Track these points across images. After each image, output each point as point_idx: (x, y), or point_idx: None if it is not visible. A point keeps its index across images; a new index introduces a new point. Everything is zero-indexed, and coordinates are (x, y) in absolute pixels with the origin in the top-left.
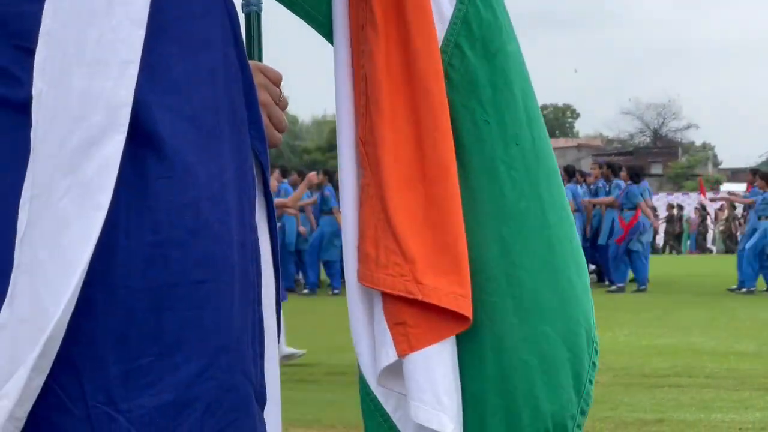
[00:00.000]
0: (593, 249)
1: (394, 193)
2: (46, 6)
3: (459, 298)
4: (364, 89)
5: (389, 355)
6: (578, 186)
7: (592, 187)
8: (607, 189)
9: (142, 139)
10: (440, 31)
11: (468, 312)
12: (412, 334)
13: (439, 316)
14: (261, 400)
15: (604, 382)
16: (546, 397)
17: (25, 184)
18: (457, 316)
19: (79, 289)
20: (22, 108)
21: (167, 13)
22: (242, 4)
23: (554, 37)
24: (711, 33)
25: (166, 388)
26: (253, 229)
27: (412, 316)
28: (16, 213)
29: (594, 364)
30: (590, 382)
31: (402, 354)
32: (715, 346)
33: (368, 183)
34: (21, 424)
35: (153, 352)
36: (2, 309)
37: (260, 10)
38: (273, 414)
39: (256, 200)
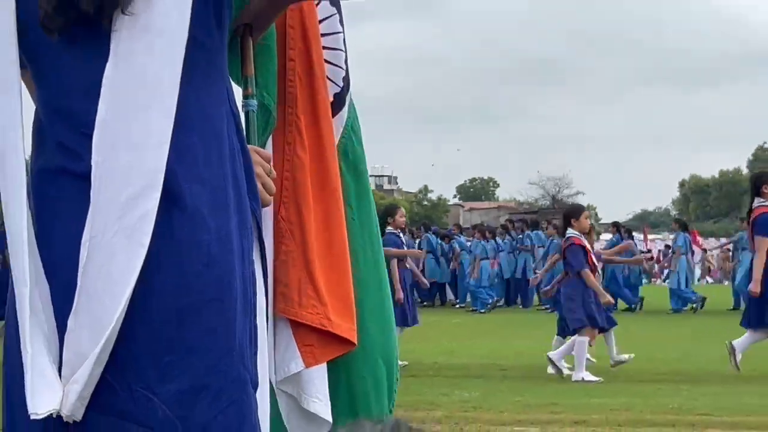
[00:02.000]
0: None
1: (314, 260)
2: (100, 104)
3: (352, 332)
4: (289, 186)
5: (298, 366)
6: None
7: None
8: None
9: (170, 198)
10: (339, 124)
11: (355, 341)
12: (318, 353)
13: (335, 343)
14: (254, 385)
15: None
16: (374, 401)
17: (85, 228)
18: (347, 343)
19: (126, 306)
20: (83, 176)
21: (190, 110)
22: (242, 105)
23: (486, 129)
24: (598, 124)
25: (186, 378)
26: (251, 263)
27: (319, 341)
28: (78, 250)
29: (398, 379)
30: (395, 391)
31: (308, 366)
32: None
33: (292, 250)
34: (86, 402)
35: (177, 352)
36: (69, 319)
37: (255, 108)
38: (263, 393)
39: (253, 243)
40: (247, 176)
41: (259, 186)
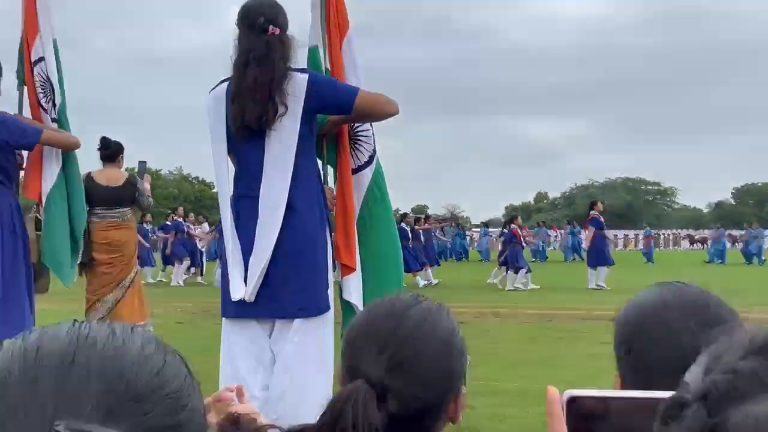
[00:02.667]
0: None
1: (352, 230)
2: (264, 168)
3: (353, 264)
4: (339, 200)
5: (342, 278)
6: None
7: None
8: None
9: (289, 207)
10: (369, 172)
11: (355, 267)
12: (346, 269)
13: (351, 269)
14: (327, 286)
15: None
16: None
17: (258, 221)
18: (352, 269)
19: (271, 251)
20: (255, 198)
21: (298, 169)
22: (318, 156)
23: None
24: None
25: (297, 284)
26: (326, 235)
27: (347, 270)
28: (254, 231)
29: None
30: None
31: (343, 277)
32: None
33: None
34: (255, 293)
35: (293, 272)
36: (250, 260)
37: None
38: (331, 291)
39: (326, 227)
40: (323, 197)
41: (328, 200)
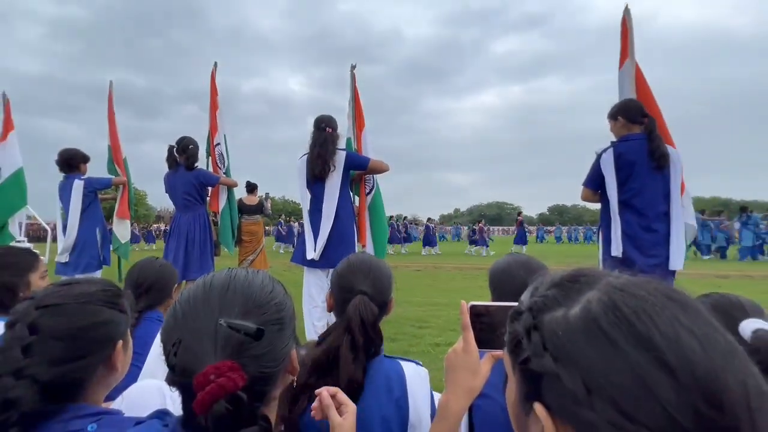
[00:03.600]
0: None
1: (365, 226)
2: (323, 202)
3: (362, 244)
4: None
5: (360, 247)
6: None
7: None
8: None
9: (336, 216)
10: (370, 197)
11: (366, 245)
12: (362, 243)
13: (364, 246)
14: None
15: None
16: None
17: (321, 225)
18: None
19: (328, 235)
20: (321, 212)
21: (341, 199)
22: (350, 189)
23: (409, 174)
24: None
25: (336, 254)
26: (354, 229)
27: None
28: (318, 233)
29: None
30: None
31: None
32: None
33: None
34: (320, 255)
35: (338, 248)
36: (317, 239)
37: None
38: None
39: (355, 226)
40: (353, 210)
41: (355, 211)
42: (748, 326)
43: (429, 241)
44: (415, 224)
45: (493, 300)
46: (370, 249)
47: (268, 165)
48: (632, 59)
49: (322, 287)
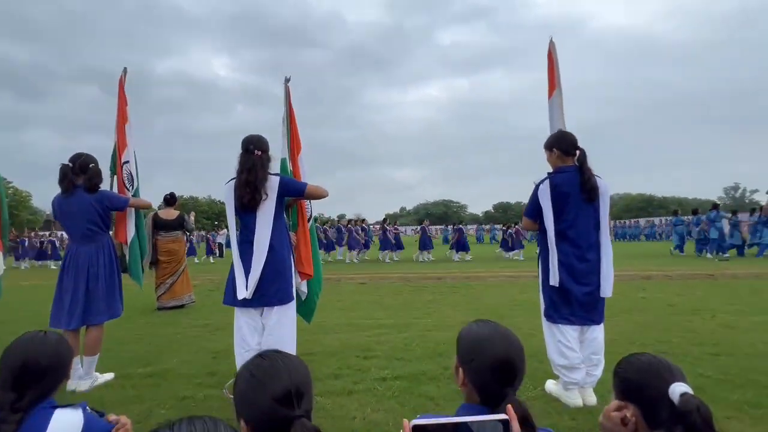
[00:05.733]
0: None
1: (309, 253)
2: (256, 228)
3: (307, 274)
4: (301, 229)
5: (300, 281)
6: None
7: None
8: None
9: (271, 249)
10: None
11: (312, 274)
12: (304, 275)
13: (308, 275)
14: (297, 290)
15: None
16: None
17: (253, 256)
18: (308, 276)
19: (261, 269)
20: (252, 243)
21: (275, 229)
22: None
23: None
24: None
25: (275, 289)
26: (291, 259)
27: (303, 275)
28: (249, 267)
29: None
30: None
31: (302, 280)
32: None
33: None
34: (252, 293)
35: (273, 283)
36: (249, 274)
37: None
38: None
39: (292, 254)
40: (289, 239)
41: (292, 241)
42: (675, 390)
43: (462, 245)
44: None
45: (466, 372)
46: (306, 282)
47: (189, 159)
48: (559, 89)
49: (256, 328)
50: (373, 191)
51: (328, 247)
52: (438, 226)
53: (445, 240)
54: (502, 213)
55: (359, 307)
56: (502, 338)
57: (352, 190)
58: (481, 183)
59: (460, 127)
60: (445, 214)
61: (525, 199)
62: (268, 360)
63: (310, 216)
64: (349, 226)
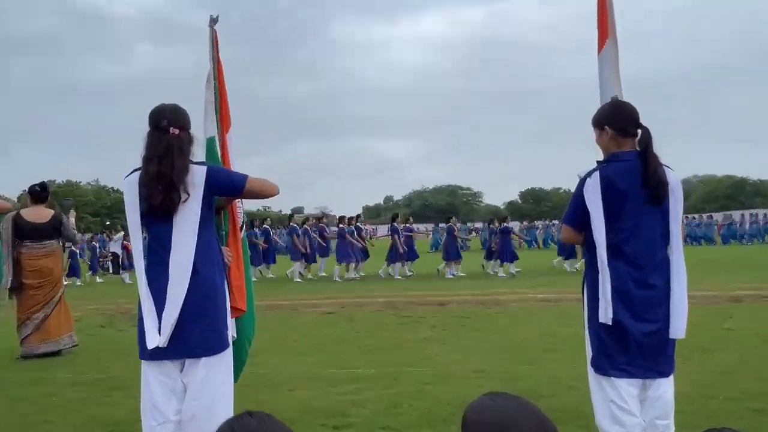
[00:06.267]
0: None
1: (242, 279)
2: (172, 239)
3: (240, 309)
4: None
5: (231, 329)
6: None
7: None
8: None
9: (194, 270)
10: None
11: (245, 309)
12: (235, 311)
13: (240, 311)
14: (226, 328)
15: None
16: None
17: (169, 281)
18: (240, 311)
19: (177, 318)
20: (167, 265)
21: (201, 240)
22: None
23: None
24: None
25: (199, 327)
26: (224, 287)
27: (233, 311)
28: (167, 288)
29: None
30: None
31: (233, 317)
32: None
33: (233, 279)
34: (167, 340)
35: (200, 322)
36: (164, 311)
37: (225, 233)
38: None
39: (225, 280)
40: (221, 258)
41: (226, 260)
42: None
43: (509, 253)
44: (325, 225)
45: None
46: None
47: (66, 125)
48: (614, 38)
49: (174, 390)
50: (344, 173)
51: (309, 257)
52: (425, 225)
53: (436, 245)
54: (533, 204)
55: (325, 350)
56: (532, 427)
57: (312, 171)
58: (503, 161)
59: (470, 79)
60: (450, 206)
61: (564, 184)
62: (256, 420)
63: (243, 223)
64: (341, 225)
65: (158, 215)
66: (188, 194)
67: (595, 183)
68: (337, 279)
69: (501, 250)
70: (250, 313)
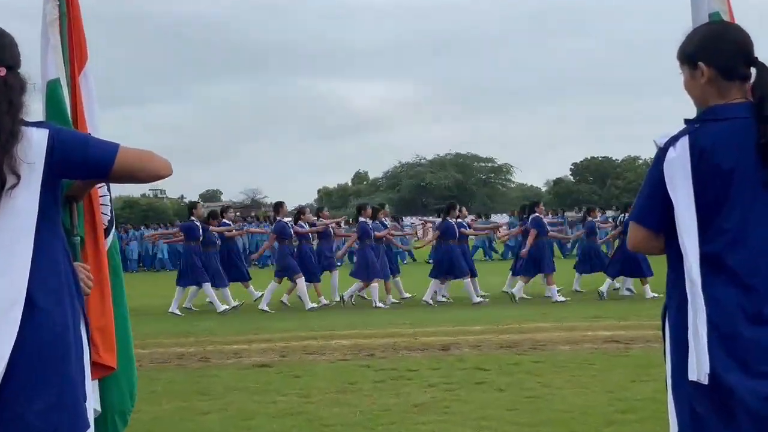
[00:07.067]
0: None
1: (110, 317)
2: None
3: (106, 365)
4: (91, 237)
5: (93, 399)
6: None
7: None
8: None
9: (29, 302)
10: (108, 242)
11: (115, 365)
12: (100, 368)
13: (109, 369)
14: (84, 398)
15: None
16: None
17: None
18: (110, 369)
19: (1, 382)
20: None
21: (39, 254)
22: (71, 239)
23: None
24: None
25: (42, 400)
26: (80, 331)
27: (98, 368)
28: None
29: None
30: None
31: (92, 378)
32: None
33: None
34: None
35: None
36: None
37: (77, 239)
38: (89, 400)
39: (81, 319)
40: (75, 281)
41: (82, 285)
42: None
43: (637, 266)
44: (302, 220)
45: None
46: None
47: None
48: None
49: None
50: (290, 131)
51: (310, 276)
52: (413, 218)
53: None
54: (595, 183)
55: None
56: None
57: (241, 126)
58: (543, 115)
59: (495, 7)
60: (461, 187)
61: (643, 153)
62: None
63: (111, 224)
64: (282, 219)
65: None
66: (18, 176)
67: (682, 156)
68: (379, 305)
69: (623, 255)
70: (124, 370)
